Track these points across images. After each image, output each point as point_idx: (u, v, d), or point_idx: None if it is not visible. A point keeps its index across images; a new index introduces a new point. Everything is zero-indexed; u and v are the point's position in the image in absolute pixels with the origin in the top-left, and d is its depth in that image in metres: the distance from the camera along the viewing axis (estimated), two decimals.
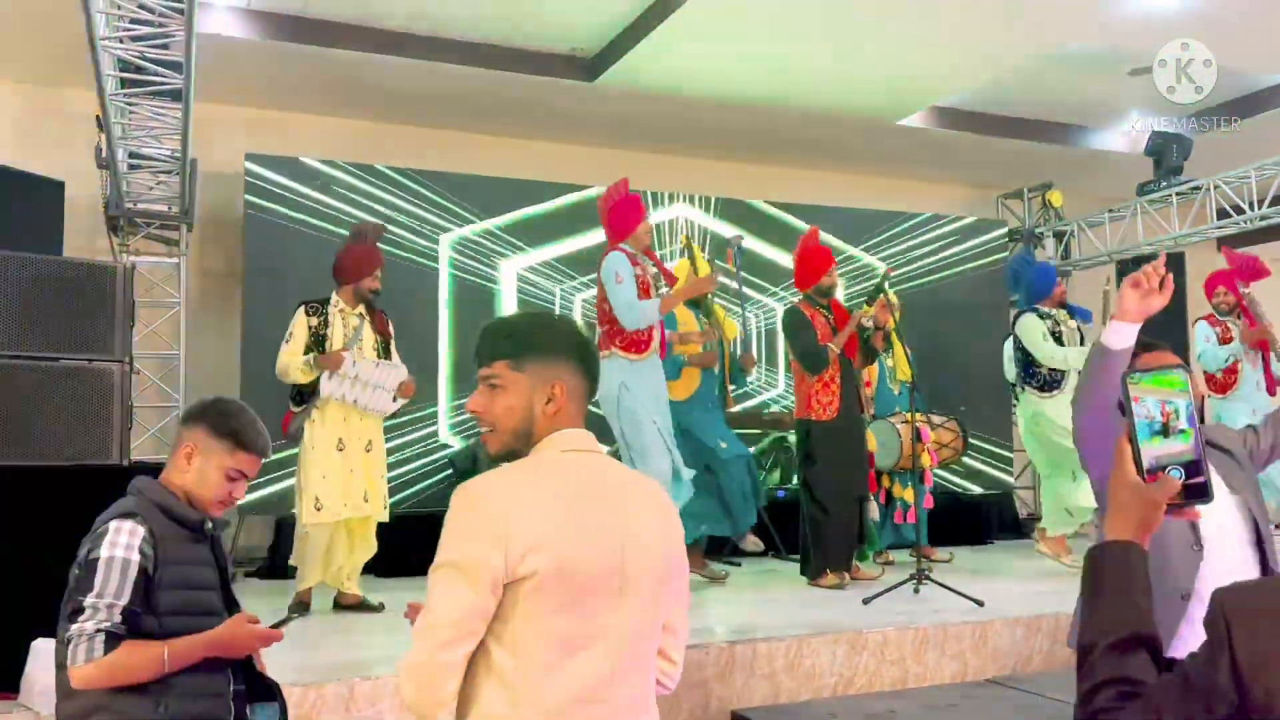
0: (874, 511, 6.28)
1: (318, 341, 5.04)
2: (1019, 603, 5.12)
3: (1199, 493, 1.22)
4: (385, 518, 5.24)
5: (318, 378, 4.99)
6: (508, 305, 7.48)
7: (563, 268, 7.66)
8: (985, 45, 6.63)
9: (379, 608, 5.12)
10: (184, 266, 6.77)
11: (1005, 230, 9.26)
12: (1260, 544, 2.53)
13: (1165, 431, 1.22)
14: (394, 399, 5.17)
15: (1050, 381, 6.27)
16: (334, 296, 5.17)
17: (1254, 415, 6.24)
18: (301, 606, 5.07)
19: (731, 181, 8.55)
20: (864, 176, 9.21)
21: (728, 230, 7.64)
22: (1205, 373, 6.73)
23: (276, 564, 6.35)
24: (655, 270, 5.37)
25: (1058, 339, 6.26)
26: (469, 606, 1.62)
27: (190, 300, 6.89)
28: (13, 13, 5.97)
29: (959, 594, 5.13)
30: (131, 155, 5.97)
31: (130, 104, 5.15)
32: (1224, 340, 6.59)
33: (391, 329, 5.33)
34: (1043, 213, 9.36)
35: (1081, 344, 6.24)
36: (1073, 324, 6.32)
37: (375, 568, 5.56)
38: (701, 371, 5.97)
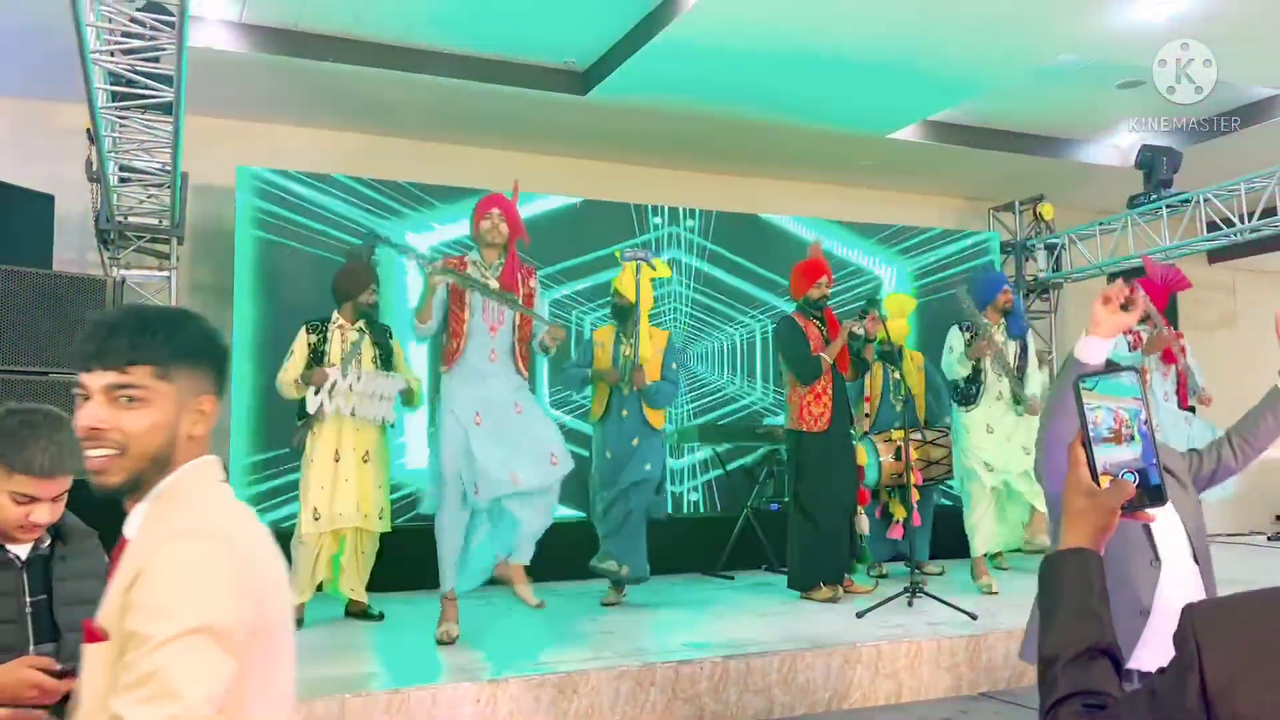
0: (864, 525, 6.25)
1: (317, 357, 5.30)
2: (1013, 616, 5.11)
3: (1154, 496, 1.22)
4: (386, 528, 5.41)
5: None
6: None
7: (557, 275, 7.66)
8: (976, 59, 6.66)
9: (379, 617, 5.35)
10: (175, 280, 6.74)
11: (994, 240, 9.30)
12: (1198, 561, 2.59)
13: (1118, 437, 1.23)
14: (393, 409, 5.38)
15: (966, 395, 6.31)
16: (334, 314, 5.44)
17: (1159, 429, 6.25)
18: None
19: (724, 195, 8.56)
20: (856, 189, 9.23)
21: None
22: None
23: None
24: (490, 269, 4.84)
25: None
26: (227, 680, 1.31)
27: None
28: (2, 27, 5.95)
29: (953, 607, 5.12)
30: (122, 168, 5.94)
31: (121, 117, 5.13)
32: (1134, 347, 6.58)
33: (395, 343, 5.55)
34: (1034, 225, 9.39)
35: (1017, 359, 6.28)
36: (998, 338, 6.24)
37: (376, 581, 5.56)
38: (610, 391, 5.78)
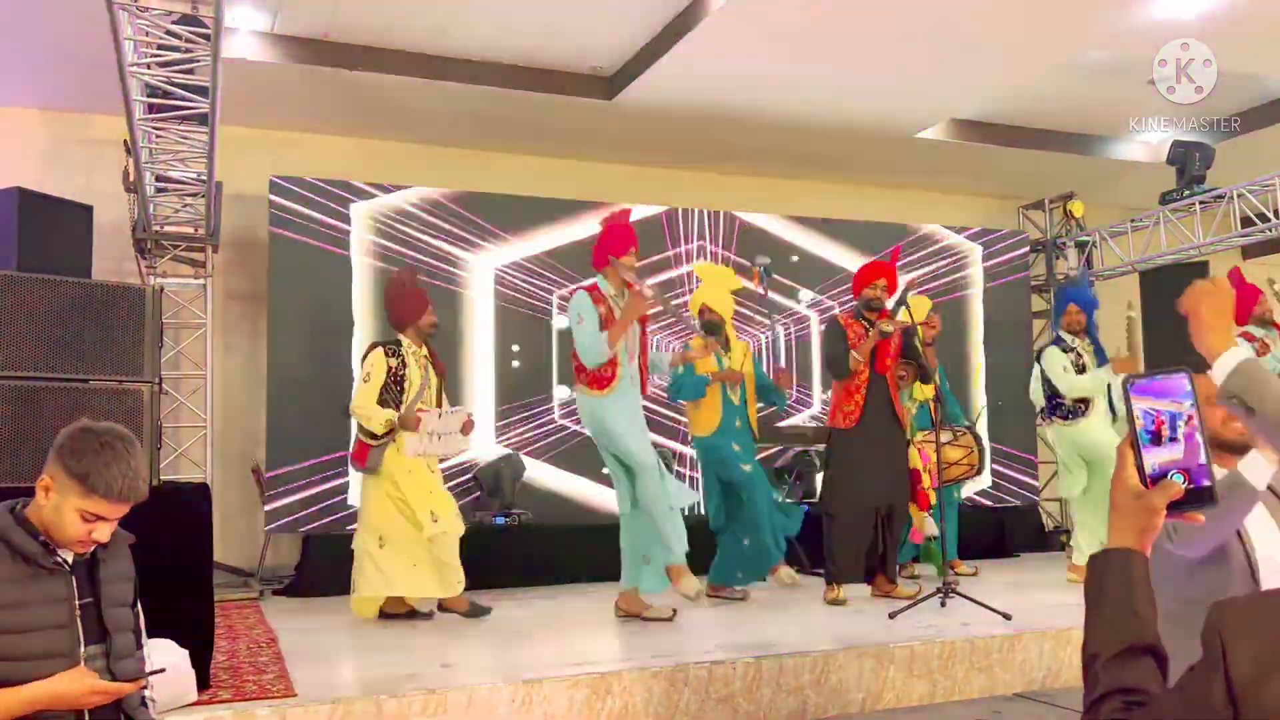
0: (930, 527, 6.25)
1: (396, 382, 5.21)
2: (1046, 615, 5.08)
3: (1205, 497, 1.21)
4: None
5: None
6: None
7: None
8: (1003, 56, 6.63)
9: (429, 615, 5.38)
10: (210, 287, 6.85)
11: (1026, 240, 9.24)
12: None
13: (1158, 439, 1.22)
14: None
15: (1073, 411, 6.34)
16: (402, 339, 5.34)
17: None
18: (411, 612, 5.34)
19: (751, 196, 8.57)
20: (884, 189, 9.21)
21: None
22: None
23: (304, 582, 6.38)
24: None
25: (1080, 369, 6.31)
26: None
27: (217, 321, 6.96)
28: (41, 41, 6.07)
29: (986, 607, 5.10)
30: (158, 179, 6.05)
31: (157, 129, 5.22)
32: (1261, 353, 6.47)
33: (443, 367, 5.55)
34: (1064, 223, 9.32)
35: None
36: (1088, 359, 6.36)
37: None
38: (722, 403, 5.82)
